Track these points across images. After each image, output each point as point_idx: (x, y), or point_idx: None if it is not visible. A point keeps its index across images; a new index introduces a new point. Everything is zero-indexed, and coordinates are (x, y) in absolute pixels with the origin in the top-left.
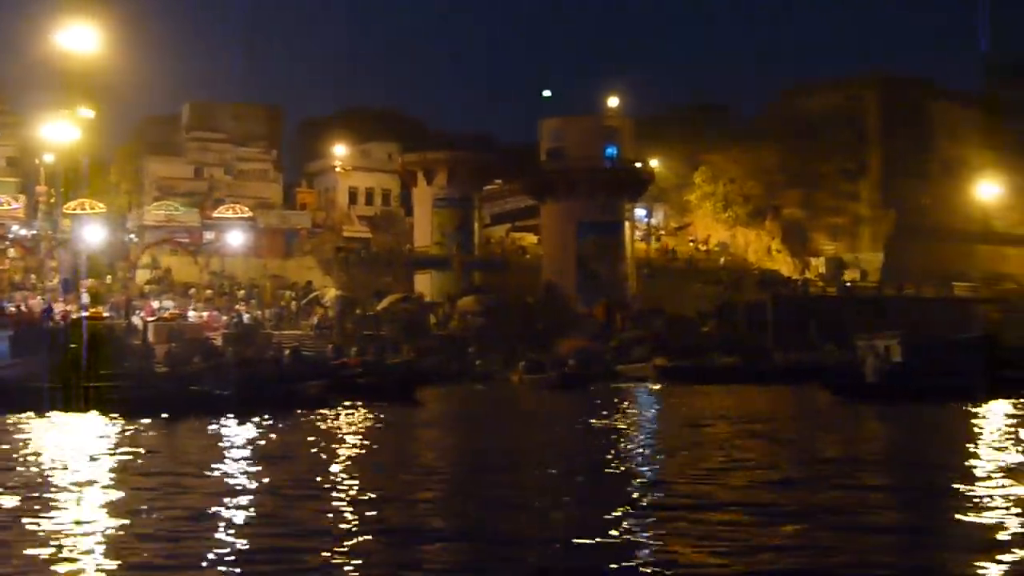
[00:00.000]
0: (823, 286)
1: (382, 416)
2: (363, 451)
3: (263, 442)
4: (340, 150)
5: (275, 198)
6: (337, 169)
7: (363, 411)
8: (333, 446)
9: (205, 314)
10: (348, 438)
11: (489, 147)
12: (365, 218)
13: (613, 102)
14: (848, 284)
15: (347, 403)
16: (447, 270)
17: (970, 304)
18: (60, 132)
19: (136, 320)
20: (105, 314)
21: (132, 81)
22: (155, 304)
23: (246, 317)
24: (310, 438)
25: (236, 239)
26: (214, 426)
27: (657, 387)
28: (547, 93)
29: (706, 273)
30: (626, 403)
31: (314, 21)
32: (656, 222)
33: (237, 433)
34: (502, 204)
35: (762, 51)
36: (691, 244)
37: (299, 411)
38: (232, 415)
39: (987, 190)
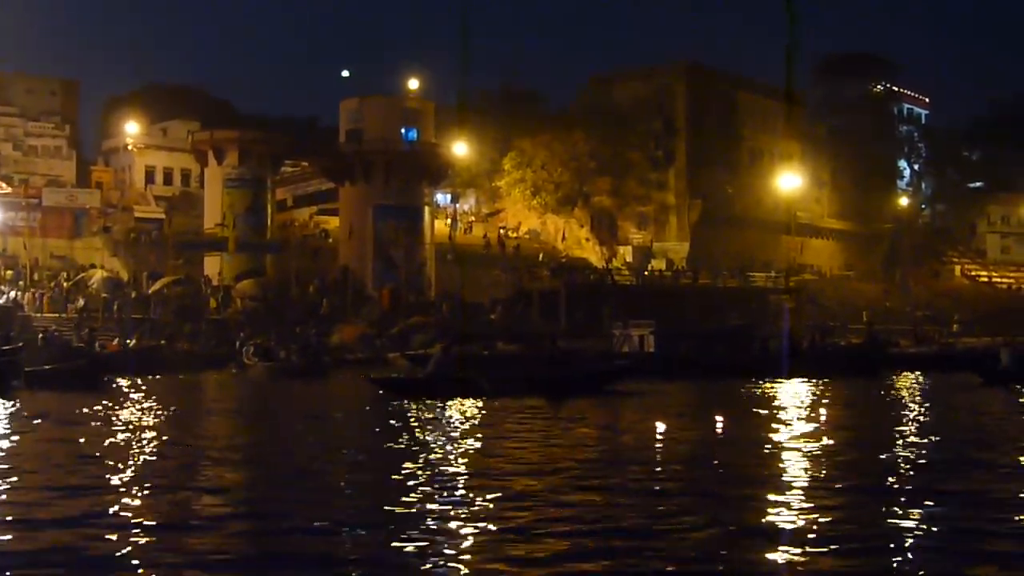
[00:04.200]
0: (628, 274)
1: None
2: None
3: None
4: (132, 127)
5: (68, 176)
6: (129, 147)
7: None
8: None
9: None
10: None
11: (304, 129)
12: (164, 198)
13: (414, 84)
14: (647, 272)
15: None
16: (222, 252)
17: (766, 294)
18: None
19: None
20: None
21: None
22: None
23: (2, 299)
24: None
25: None
26: None
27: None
28: (346, 73)
29: (513, 260)
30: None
31: None
32: (468, 208)
33: None
34: (305, 187)
35: (574, 38)
36: (501, 231)
37: None
38: None
39: (790, 181)
